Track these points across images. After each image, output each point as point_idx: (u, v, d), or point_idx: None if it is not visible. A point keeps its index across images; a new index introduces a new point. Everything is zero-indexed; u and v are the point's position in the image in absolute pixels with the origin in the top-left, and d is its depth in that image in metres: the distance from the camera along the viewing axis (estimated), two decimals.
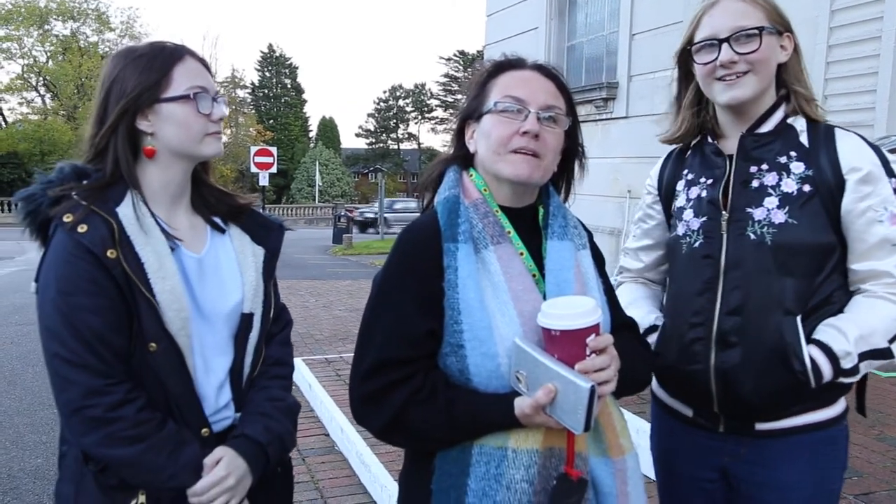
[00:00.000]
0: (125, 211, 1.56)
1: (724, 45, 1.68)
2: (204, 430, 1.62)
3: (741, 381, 1.69)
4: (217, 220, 1.76)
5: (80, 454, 1.58)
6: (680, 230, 1.84)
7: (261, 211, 1.89)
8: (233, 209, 1.79)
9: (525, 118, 1.49)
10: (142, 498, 1.55)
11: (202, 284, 1.66)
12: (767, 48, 1.69)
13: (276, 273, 1.83)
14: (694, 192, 1.83)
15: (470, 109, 1.59)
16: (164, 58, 1.60)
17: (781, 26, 1.72)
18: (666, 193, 1.94)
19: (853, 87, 5.79)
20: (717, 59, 1.69)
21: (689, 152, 1.92)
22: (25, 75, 43.91)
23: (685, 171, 1.89)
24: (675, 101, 1.90)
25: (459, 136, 1.63)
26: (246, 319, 1.71)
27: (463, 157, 1.61)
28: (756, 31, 1.67)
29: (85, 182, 1.59)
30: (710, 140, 1.84)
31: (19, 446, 4.95)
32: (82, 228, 1.49)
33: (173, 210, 1.68)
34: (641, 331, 1.83)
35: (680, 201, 1.87)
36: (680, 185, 1.89)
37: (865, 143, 1.70)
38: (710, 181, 1.80)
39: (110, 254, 1.49)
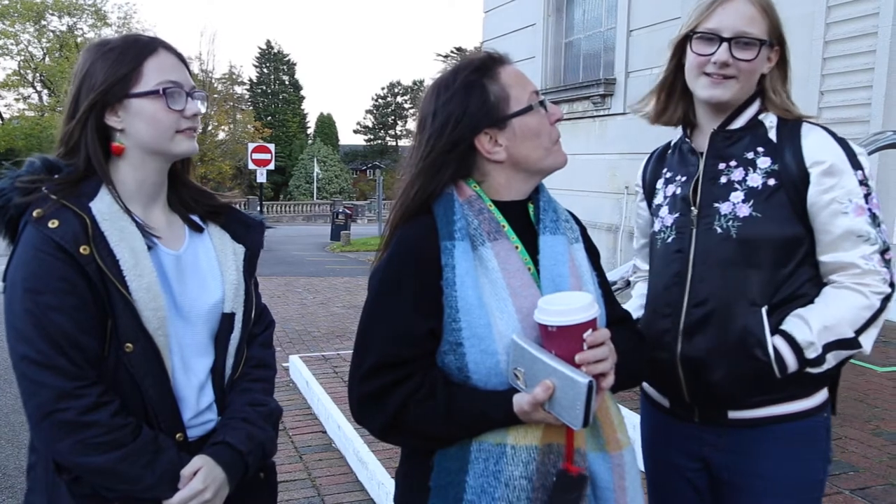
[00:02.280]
0: (98, 206, 1.50)
1: (724, 45, 1.70)
2: (178, 434, 1.56)
3: (707, 371, 1.73)
4: (195, 218, 1.71)
5: (52, 464, 1.51)
6: (656, 226, 1.91)
7: (240, 209, 1.84)
8: (212, 209, 1.74)
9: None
10: None
11: (181, 283, 1.61)
12: (760, 60, 1.73)
13: (262, 271, 1.79)
14: (670, 189, 1.89)
15: (478, 119, 1.48)
16: (136, 51, 1.54)
17: (776, 40, 1.76)
18: (649, 192, 1.99)
19: (849, 83, 5.79)
20: (713, 54, 1.71)
21: (669, 151, 1.97)
22: (22, 71, 43.79)
23: (664, 170, 1.95)
24: (663, 84, 1.90)
25: (463, 152, 1.51)
26: (227, 319, 1.66)
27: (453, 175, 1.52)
28: (757, 43, 1.71)
29: (56, 176, 1.52)
30: (686, 139, 1.89)
31: (14, 444, 4.96)
32: (53, 223, 1.43)
33: (149, 207, 1.62)
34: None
35: (658, 199, 1.93)
36: (659, 184, 1.95)
37: (830, 137, 1.73)
38: (683, 178, 1.85)
39: (83, 250, 1.44)
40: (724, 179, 1.77)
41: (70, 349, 1.43)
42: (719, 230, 1.74)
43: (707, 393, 1.76)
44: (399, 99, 68.19)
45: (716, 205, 1.75)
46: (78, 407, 1.42)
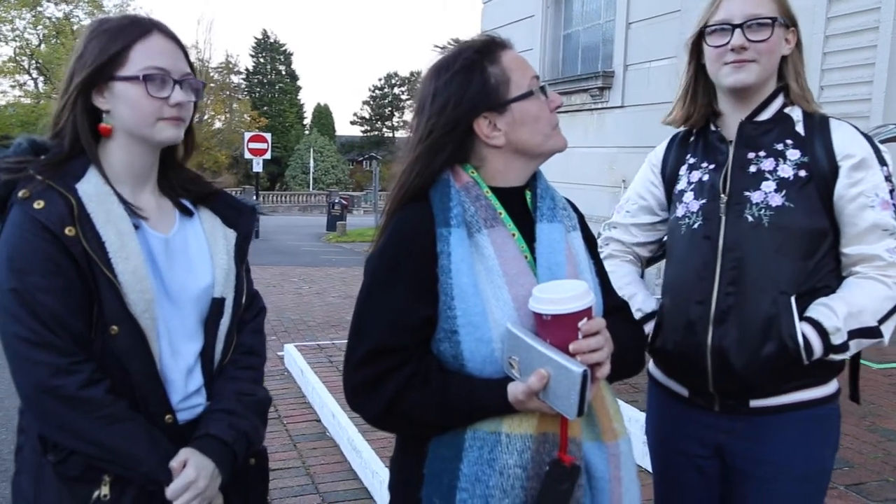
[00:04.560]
0: (85, 187, 1.48)
1: (737, 31, 1.74)
2: (168, 416, 1.55)
3: (736, 358, 1.74)
4: (186, 202, 1.69)
5: (38, 444, 1.50)
6: (679, 212, 1.89)
7: (232, 193, 1.81)
8: (203, 194, 1.71)
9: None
10: (105, 489, 1.48)
11: (169, 265, 1.59)
12: (776, 39, 1.76)
13: (258, 261, 1.77)
14: (695, 175, 1.89)
15: (478, 101, 1.46)
16: (128, 33, 1.51)
17: (790, 20, 1.79)
18: (669, 177, 1.98)
19: (850, 77, 5.77)
20: (728, 43, 1.75)
21: (692, 137, 1.97)
22: (18, 58, 43.59)
23: (688, 156, 1.95)
24: (686, 90, 1.94)
25: (461, 135, 1.49)
26: (217, 304, 1.64)
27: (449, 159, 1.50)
28: (769, 21, 1.74)
29: (42, 157, 1.51)
30: (713, 128, 1.90)
31: (8, 429, 4.93)
32: (39, 204, 1.42)
33: (138, 189, 1.59)
34: (643, 315, 1.91)
35: (681, 184, 1.92)
36: (682, 170, 1.94)
37: (858, 132, 1.78)
38: (712, 166, 1.86)
39: (69, 231, 1.42)
40: (753, 168, 1.79)
41: (59, 329, 1.42)
42: (750, 218, 1.75)
43: (733, 381, 1.77)
44: (396, 90, 68.05)
45: (746, 193, 1.77)
46: (75, 382, 1.42)
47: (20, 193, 1.44)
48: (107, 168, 1.55)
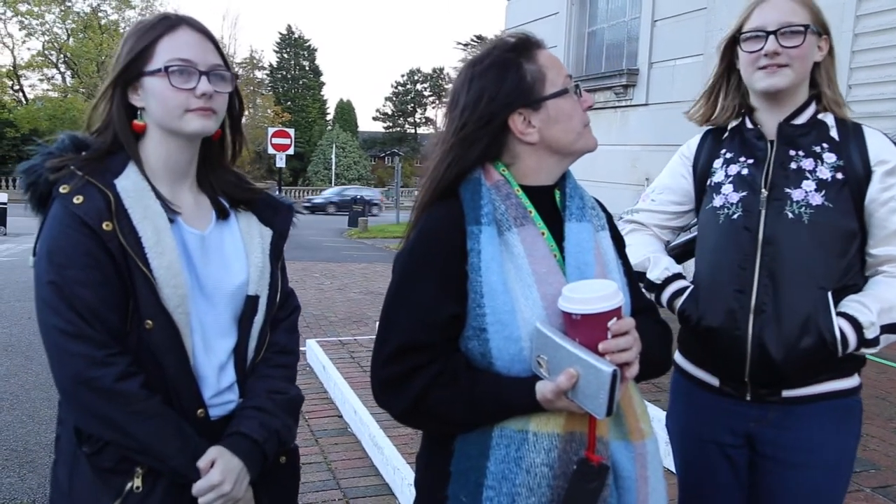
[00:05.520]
0: (123, 183, 1.52)
1: (771, 37, 1.82)
2: (199, 410, 1.57)
3: (776, 350, 1.80)
4: (223, 201, 1.70)
5: (73, 436, 1.53)
6: (717, 202, 1.94)
7: (271, 192, 1.83)
8: (244, 195, 1.73)
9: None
10: (137, 482, 1.50)
11: (205, 262, 1.61)
12: (808, 46, 1.84)
13: (285, 255, 1.77)
14: (733, 169, 1.95)
15: (514, 97, 1.47)
16: (156, 29, 1.55)
17: (822, 28, 1.87)
18: (702, 169, 2.04)
19: (878, 76, 5.70)
20: (762, 48, 1.83)
21: (725, 133, 2.03)
22: (46, 52, 44.11)
23: (723, 150, 2.00)
24: (713, 88, 2.03)
25: (496, 130, 1.49)
26: (251, 302, 1.66)
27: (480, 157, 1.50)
28: (802, 29, 1.82)
29: (84, 154, 1.55)
30: (749, 125, 1.96)
31: (36, 420, 5.00)
32: (78, 199, 1.46)
33: (176, 186, 1.62)
34: (670, 274, 1.99)
35: (718, 177, 1.97)
36: (717, 163, 2.00)
37: (889, 140, 1.88)
38: (750, 161, 1.92)
39: (106, 226, 1.46)
40: (794, 166, 1.86)
41: (95, 321, 1.45)
42: (790, 215, 1.82)
43: (770, 372, 1.83)
44: (419, 87, 68.15)
45: (787, 190, 1.84)
46: (111, 375, 1.44)
47: (61, 189, 1.48)
48: (145, 164, 1.58)
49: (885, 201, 1.81)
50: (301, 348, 6.58)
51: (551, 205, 1.55)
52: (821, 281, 1.79)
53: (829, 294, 1.79)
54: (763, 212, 1.85)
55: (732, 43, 1.94)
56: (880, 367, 4.88)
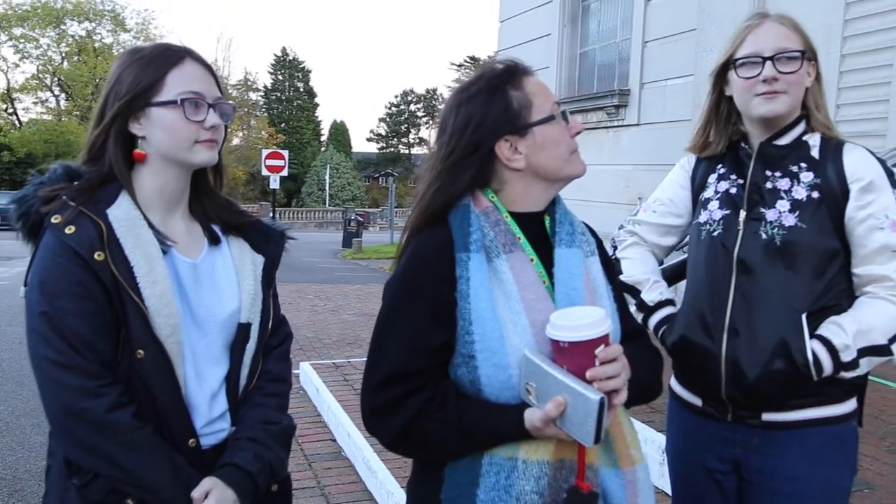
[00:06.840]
0: (115, 213, 1.52)
1: (768, 63, 1.80)
2: (191, 440, 1.56)
3: (749, 370, 1.78)
4: (215, 228, 1.71)
5: (64, 467, 1.52)
6: (702, 218, 1.96)
7: (262, 218, 1.83)
8: (234, 225, 1.73)
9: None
10: None
11: (197, 290, 1.61)
12: (803, 71, 1.83)
13: (276, 282, 1.77)
14: (723, 185, 1.95)
15: (500, 124, 1.48)
16: (162, 61, 1.56)
17: (812, 54, 1.86)
18: (699, 183, 2.05)
19: (866, 96, 5.75)
20: (759, 74, 1.81)
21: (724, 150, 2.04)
22: (40, 75, 44.20)
23: (719, 166, 2.01)
24: (706, 124, 2.02)
25: (483, 158, 1.50)
26: (243, 329, 1.66)
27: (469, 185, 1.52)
28: (798, 54, 1.81)
29: (76, 183, 1.55)
30: (743, 144, 1.97)
31: (25, 447, 4.96)
32: (70, 230, 1.46)
33: (169, 215, 1.63)
34: (663, 299, 1.99)
35: (709, 192, 1.98)
36: (712, 178, 2.00)
37: (871, 155, 1.83)
38: (740, 180, 1.92)
39: (98, 256, 1.46)
40: (769, 185, 1.85)
41: (87, 352, 1.44)
42: (763, 236, 1.81)
43: (744, 391, 1.80)
44: (412, 107, 68.38)
45: (762, 210, 1.84)
46: (103, 405, 1.44)
47: (53, 219, 1.48)
48: (138, 193, 1.58)
49: (863, 219, 1.77)
50: (294, 371, 6.56)
51: (541, 231, 1.56)
52: (794, 303, 1.77)
53: (804, 316, 1.76)
54: (741, 231, 1.85)
55: (723, 69, 1.92)
56: (873, 385, 4.86)
